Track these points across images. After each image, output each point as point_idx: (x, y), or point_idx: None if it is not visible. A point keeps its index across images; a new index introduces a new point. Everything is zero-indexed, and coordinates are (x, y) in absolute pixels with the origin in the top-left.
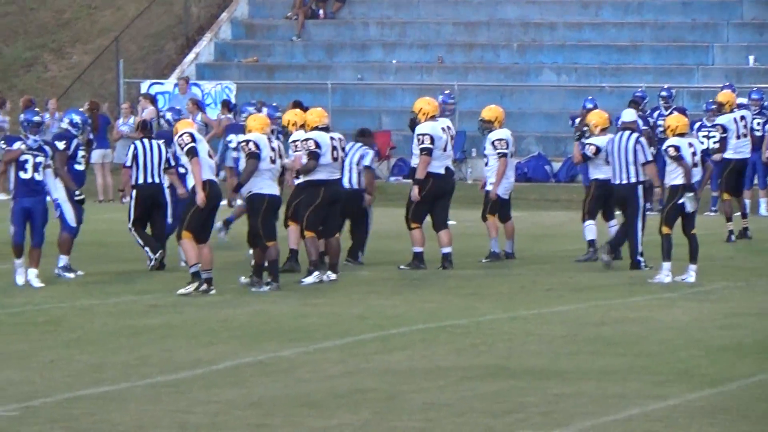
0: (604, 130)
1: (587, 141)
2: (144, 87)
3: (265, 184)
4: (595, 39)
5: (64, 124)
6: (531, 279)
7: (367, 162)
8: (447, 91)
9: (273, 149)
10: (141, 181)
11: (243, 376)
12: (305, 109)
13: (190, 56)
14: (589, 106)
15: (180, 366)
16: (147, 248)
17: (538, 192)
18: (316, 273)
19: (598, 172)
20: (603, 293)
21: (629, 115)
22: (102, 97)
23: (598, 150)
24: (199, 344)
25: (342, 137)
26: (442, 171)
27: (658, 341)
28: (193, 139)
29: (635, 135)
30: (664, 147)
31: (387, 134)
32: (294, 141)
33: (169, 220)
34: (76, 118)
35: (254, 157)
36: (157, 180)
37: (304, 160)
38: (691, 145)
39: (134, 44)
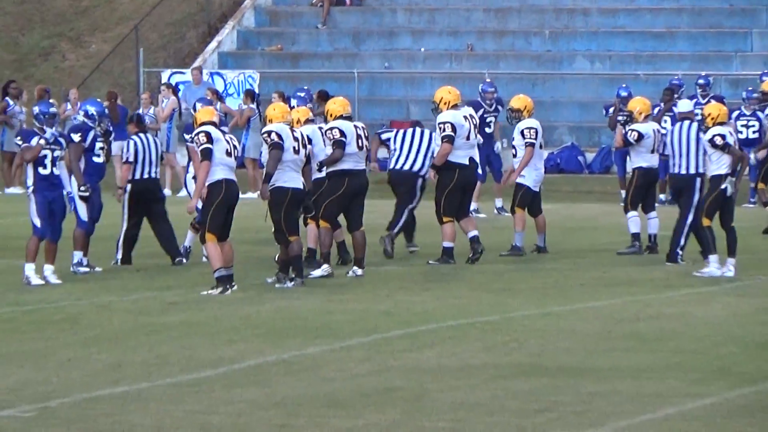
0: (647, 117)
1: (630, 127)
2: (164, 76)
3: (288, 177)
4: (629, 25)
5: (80, 117)
6: (564, 273)
7: None
8: (488, 80)
9: (296, 139)
10: (138, 176)
11: (266, 375)
12: (329, 98)
13: (212, 44)
14: (624, 94)
15: (201, 365)
16: (119, 253)
17: (571, 183)
18: (325, 266)
19: (641, 160)
20: (638, 288)
21: (686, 105)
22: (121, 87)
23: (640, 136)
24: (220, 342)
25: (365, 126)
26: (465, 161)
27: (696, 338)
28: (210, 140)
29: (695, 124)
30: (709, 136)
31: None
32: None
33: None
34: (91, 110)
35: (277, 147)
36: (153, 175)
37: (329, 150)
38: (731, 133)
39: (155, 32)
